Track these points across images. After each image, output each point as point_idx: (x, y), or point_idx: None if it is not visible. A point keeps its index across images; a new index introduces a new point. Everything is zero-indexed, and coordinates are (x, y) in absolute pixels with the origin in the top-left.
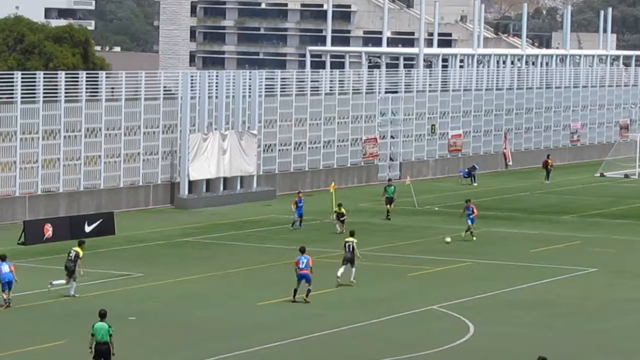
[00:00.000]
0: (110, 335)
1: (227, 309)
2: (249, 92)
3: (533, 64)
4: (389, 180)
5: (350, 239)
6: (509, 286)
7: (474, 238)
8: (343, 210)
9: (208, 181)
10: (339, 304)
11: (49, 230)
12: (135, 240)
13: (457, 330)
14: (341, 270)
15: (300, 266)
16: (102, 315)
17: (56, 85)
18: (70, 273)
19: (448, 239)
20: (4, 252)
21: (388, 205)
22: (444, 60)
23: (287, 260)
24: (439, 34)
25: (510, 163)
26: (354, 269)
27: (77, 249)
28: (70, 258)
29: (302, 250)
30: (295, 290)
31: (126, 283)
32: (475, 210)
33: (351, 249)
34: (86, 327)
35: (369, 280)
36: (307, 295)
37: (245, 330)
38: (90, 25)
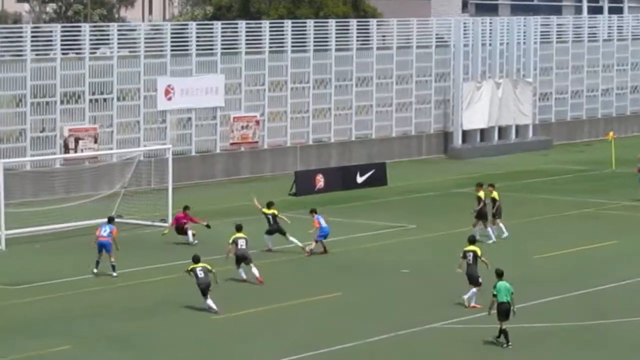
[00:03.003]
0: (512, 294)
1: (501, 261)
2: (524, 39)
3: None
4: None
5: None
6: None
7: None
8: None
9: (482, 131)
10: (621, 257)
11: (320, 181)
12: (407, 191)
13: None
14: None
15: None
16: (500, 275)
17: (326, 33)
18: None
19: None
20: (270, 202)
21: None
22: None
23: (566, 212)
24: None
25: None
26: None
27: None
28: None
29: None
30: None
31: (399, 235)
32: None
33: None
34: (359, 280)
35: None
36: None
37: (523, 283)
38: None
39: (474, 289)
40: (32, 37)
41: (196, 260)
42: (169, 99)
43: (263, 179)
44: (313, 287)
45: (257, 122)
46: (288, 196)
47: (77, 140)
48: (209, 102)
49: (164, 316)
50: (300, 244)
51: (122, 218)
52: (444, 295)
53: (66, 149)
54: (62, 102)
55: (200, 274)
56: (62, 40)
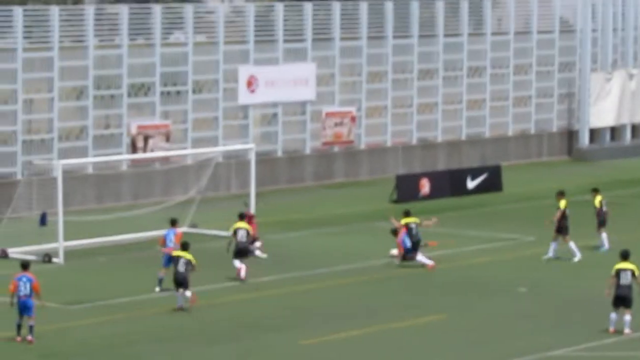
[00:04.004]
0: None
1: None
2: None
3: None
4: None
5: None
6: None
7: None
8: None
9: (612, 129)
10: None
11: (425, 186)
12: (525, 197)
13: None
14: None
15: None
16: None
17: (433, 17)
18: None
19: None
20: (368, 211)
21: None
22: None
23: None
24: None
25: None
26: None
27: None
28: None
29: None
30: None
31: (515, 248)
32: None
33: None
34: (468, 300)
35: None
36: None
37: None
38: None
39: (628, 317)
40: (95, 20)
41: (184, 247)
42: (252, 91)
43: (359, 184)
44: (415, 308)
45: (353, 119)
46: (389, 203)
47: (146, 138)
48: (297, 95)
49: (244, 342)
50: (429, 262)
51: (197, 228)
52: (566, 317)
53: (134, 149)
54: (129, 95)
55: (181, 268)
56: (129, 24)
